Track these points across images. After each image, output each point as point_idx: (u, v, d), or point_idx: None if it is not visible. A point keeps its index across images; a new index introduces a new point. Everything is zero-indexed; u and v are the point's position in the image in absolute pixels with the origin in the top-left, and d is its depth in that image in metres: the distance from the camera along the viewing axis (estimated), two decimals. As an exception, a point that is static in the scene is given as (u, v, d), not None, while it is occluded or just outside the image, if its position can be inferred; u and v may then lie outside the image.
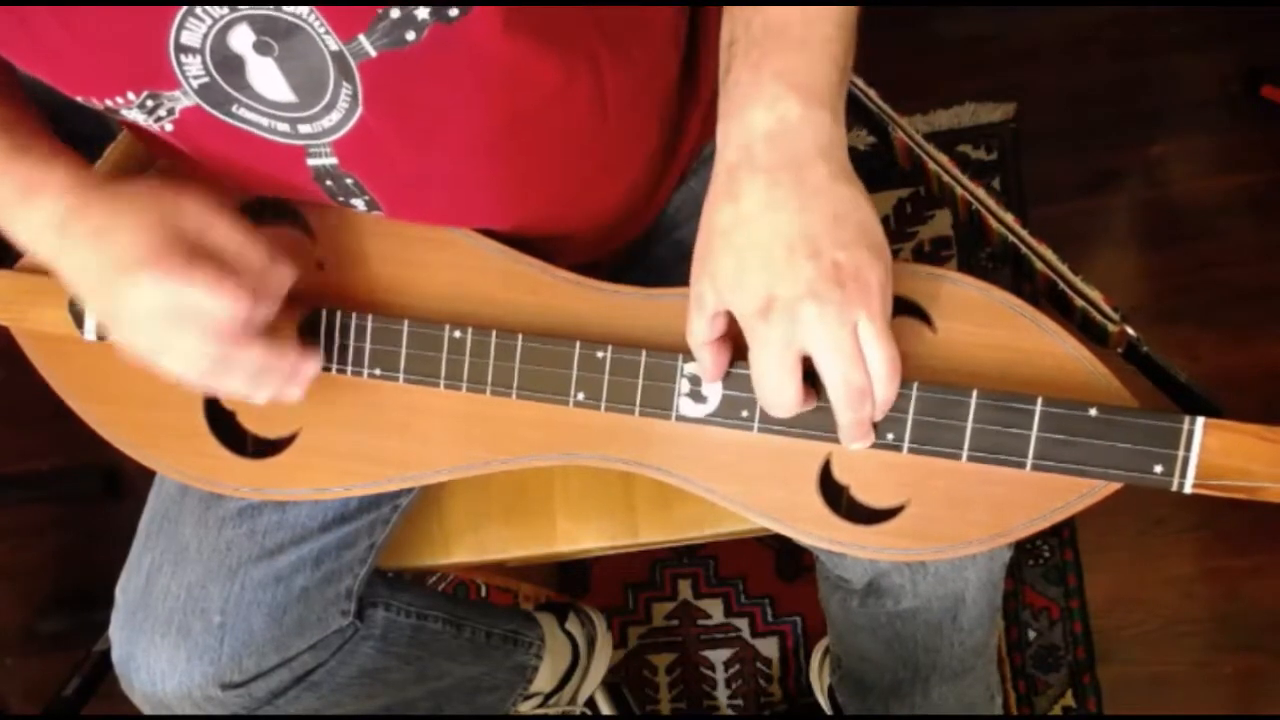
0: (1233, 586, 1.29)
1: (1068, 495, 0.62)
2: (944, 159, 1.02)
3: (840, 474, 0.66)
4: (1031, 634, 1.32)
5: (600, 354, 0.67)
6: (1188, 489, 0.59)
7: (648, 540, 0.94)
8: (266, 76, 0.59)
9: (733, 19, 0.61)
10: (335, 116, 0.62)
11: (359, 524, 0.85)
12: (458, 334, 0.70)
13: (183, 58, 0.58)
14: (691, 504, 0.91)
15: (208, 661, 0.78)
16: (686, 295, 0.62)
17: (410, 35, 0.56)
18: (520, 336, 0.69)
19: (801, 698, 1.35)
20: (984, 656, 0.98)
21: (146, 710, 0.82)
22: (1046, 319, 0.63)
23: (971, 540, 0.64)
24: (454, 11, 0.55)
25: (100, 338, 0.75)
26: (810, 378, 0.60)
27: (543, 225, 0.73)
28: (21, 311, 0.77)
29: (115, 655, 0.82)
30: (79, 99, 0.62)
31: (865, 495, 0.65)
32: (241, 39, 0.57)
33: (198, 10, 0.55)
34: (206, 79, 0.59)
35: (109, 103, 0.62)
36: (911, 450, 0.63)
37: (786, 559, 1.40)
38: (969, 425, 0.61)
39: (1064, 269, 0.95)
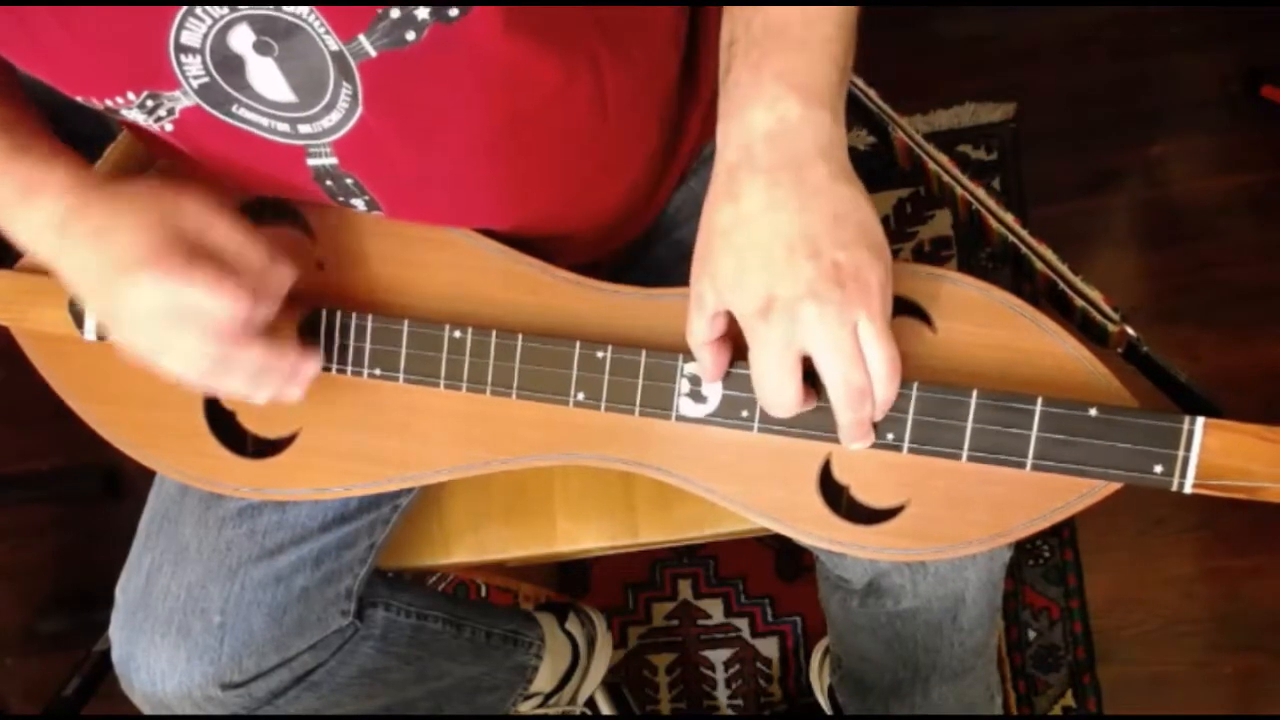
0: (1233, 586, 1.29)
1: (1068, 495, 0.62)
2: (944, 159, 1.02)
3: (840, 474, 0.66)
4: (1031, 634, 1.32)
5: (600, 354, 0.67)
6: (1188, 489, 0.59)
7: (648, 540, 0.94)
8: (266, 76, 0.59)
9: (733, 19, 0.61)
10: (335, 116, 0.62)
11: (359, 524, 0.85)
12: (458, 334, 0.70)
13: (183, 58, 0.58)
14: (691, 504, 0.91)
15: (208, 661, 0.78)
16: (686, 295, 0.62)
17: (410, 35, 0.56)
18: (520, 336, 0.69)
19: (801, 698, 1.35)
20: (984, 656, 0.98)
21: (146, 710, 0.82)
22: (1046, 319, 0.63)
23: (971, 540, 0.64)
24: (454, 11, 0.55)
25: (100, 338, 0.75)
26: (810, 378, 0.60)
27: (543, 225, 0.73)
28: (21, 311, 0.77)
29: (115, 655, 0.82)
30: (79, 99, 0.62)
31: (865, 495, 0.65)
32: (241, 39, 0.57)
33: (198, 10, 0.55)
34: (206, 79, 0.59)
35: (109, 103, 0.62)
36: (911, 450, 0.63)
37: (786, 559, 1.40)
38: (969, 425, 0.61)
39: (1064, 269, 0.95)
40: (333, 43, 0.57)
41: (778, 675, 1.37)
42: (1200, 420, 0.58)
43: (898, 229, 1.50)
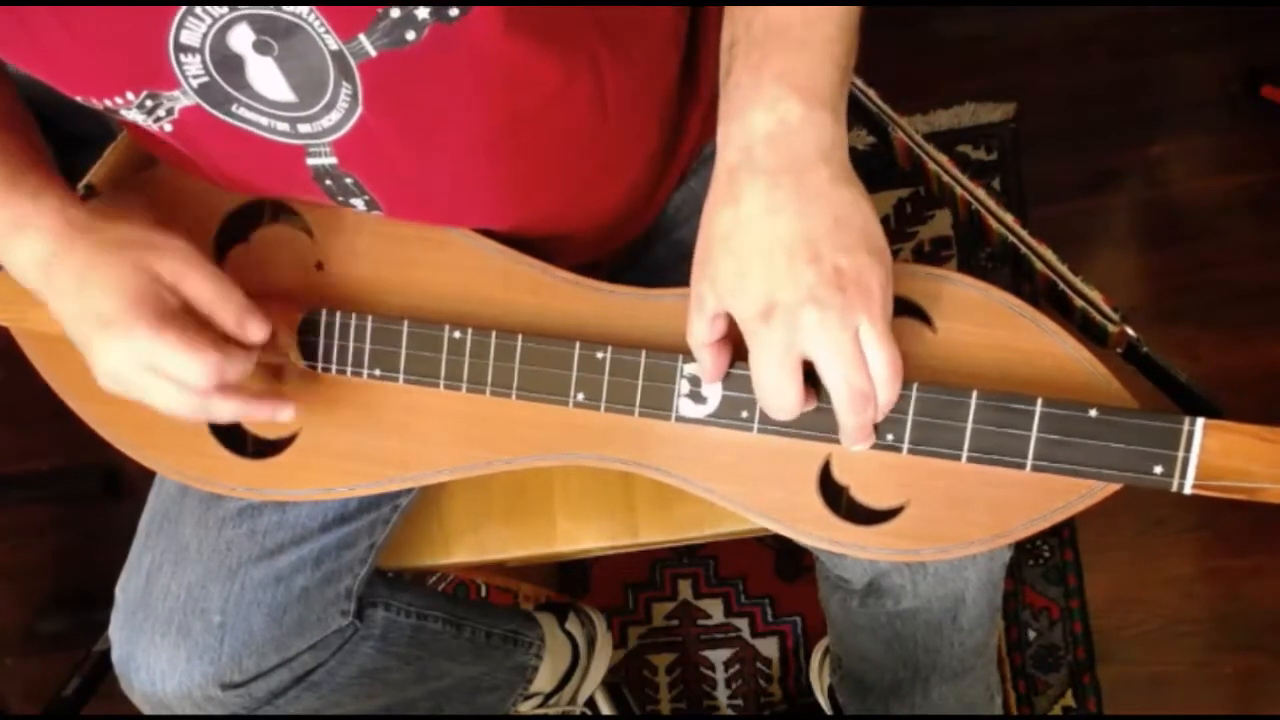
0: (1233, 586, 1.29)
1: (1068, 496, 0.62)
2: (944, 159, 1.02)
3: (840, 474, 0.66)
4: (1031, 634, 1.32)
5: (600, 354, 0.67)
6: (1187, 490, 0.59)
7: (648, 540, 0.94)
8: (266, 76, 0.59)
9: (733, 20, 0.60)
10: (335, 116, 0.61)
11: (359, 524, 0.85)
12: (457, 334, 0.70)
13: (182, 57, 0.58)
14: (691, 504, 0.91)
15: (208, 661, 0.78)
16: (686, 296, 0.62)
17: (410, 35, 0.56)
18: (520, 337, 0.69)
19: (801, 698, 1.35)
20: (984, 656, 0.98)
21: (146, 710, 0.82)
22: (1046, 319, 0.63)
23: (972, 540, 0.64)
24: (454, 11, 0.55)
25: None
26: (810, 378, 0.60)
27: (542, 225, 0.73)
28: (21, 311, 0.77)
29: (115, 655, 0.82)
30: (79, 99, 0.62)
31: (865, 496, 0.65)
32: (241, 38, 0.57)
33: (197, 10, 0.55)
34: (206, 78, 0.59)
35: (109, 103, 0.62)
36: (911, 451, 0.63)
37: (786, 559, 1.40)
38: (969, 426, 0.61)
39: (1064, 269, 0.95)
40: (332, 42, 0.57)
41: (778, 675, 1.37)
42: (1200, 421, 0.58)
43: (898, 229, 1.50)
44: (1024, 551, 1.34)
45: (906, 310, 0.64)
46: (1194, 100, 1.47)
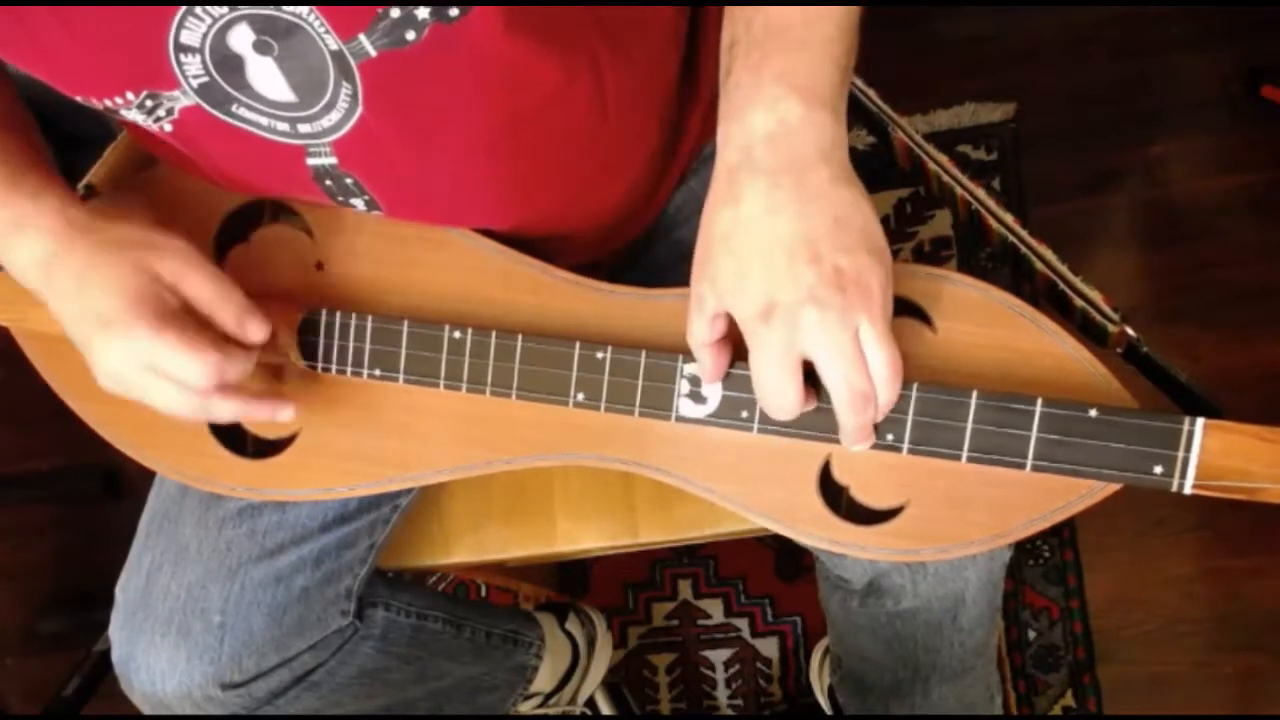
0: (1233, 586, 1.29)
1: (1068, 496, 0.62)
2: (944, 159, 1.02)
3: (840, 474, 0.66)
4: (1031, 634, 1.32)
5: (600, 354, 0.67)
6: (1187, 490, 0.59)
7: (648, 540, 0.94)
8: (266, 76, 0.59)
9: (733, 20, 0.60)
10: (335, 116, 0.61)
11: (359, 524, 0.85)
12: (457, 334, 0.70)
13: (182, 57, 0.58)
14: (691, 504, 0.91)
15: (208, 661, 0.78)
16: (686, 296, 0.62)
17: (410, 35, 0.56)
18: (520, 337, 0.69)
19: (801, 698, 1.35)
20: (984, 656, 0.98)
21: (146, 710, 0.82)
22: (1046, 319, 0.63)
23: (972, 540, 0.64)
24: (454, 11, 0.55)
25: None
26: (810, 378, 0.60)
27: (543, 225, 0.73)
28: (21, 311, 0.77)
29: (115, 655, 0.82)
30: (79, 99, 0.62)
31: (865, 496, 0.65)
32: (241, 38, 0.57)
33: (197, 10, 0.55)
34: (206, 78, 0.59)
35: (109, 103, 0.62)
36: (911, 451, 0.63)
37: (786, 559, 1.40)
38: (969, 426, 0.61)
39: (1064, 269, 0.95)
40: (332, 42, 0.57)
41: (778, 675, 1.37)
42: (1200, 421, 0.58)
43: (898, 229, 1.50)
44: (1024, 551, 1.34)
45: (906, 310, 0.64)
46: (1194, 100, 1.47)
